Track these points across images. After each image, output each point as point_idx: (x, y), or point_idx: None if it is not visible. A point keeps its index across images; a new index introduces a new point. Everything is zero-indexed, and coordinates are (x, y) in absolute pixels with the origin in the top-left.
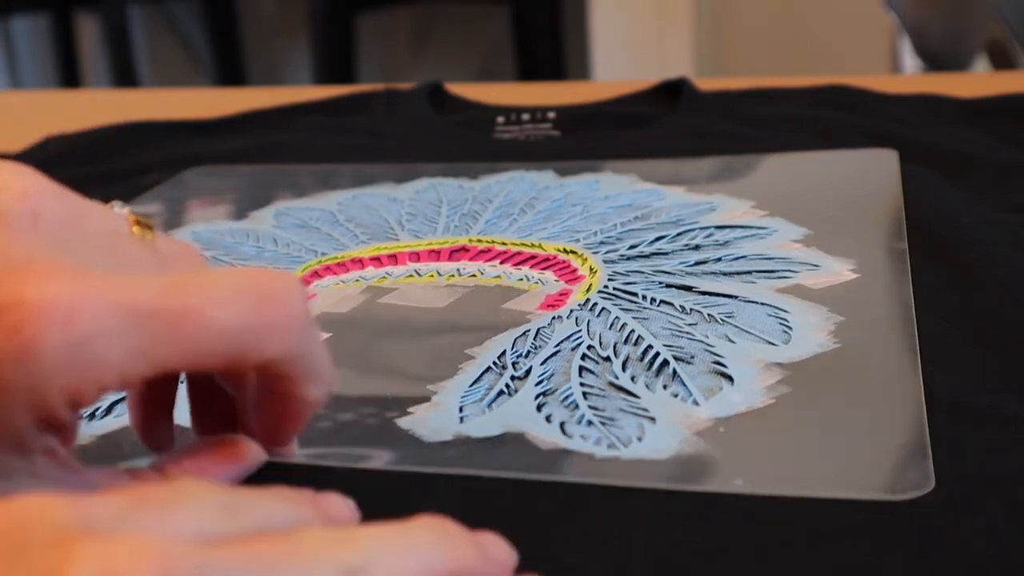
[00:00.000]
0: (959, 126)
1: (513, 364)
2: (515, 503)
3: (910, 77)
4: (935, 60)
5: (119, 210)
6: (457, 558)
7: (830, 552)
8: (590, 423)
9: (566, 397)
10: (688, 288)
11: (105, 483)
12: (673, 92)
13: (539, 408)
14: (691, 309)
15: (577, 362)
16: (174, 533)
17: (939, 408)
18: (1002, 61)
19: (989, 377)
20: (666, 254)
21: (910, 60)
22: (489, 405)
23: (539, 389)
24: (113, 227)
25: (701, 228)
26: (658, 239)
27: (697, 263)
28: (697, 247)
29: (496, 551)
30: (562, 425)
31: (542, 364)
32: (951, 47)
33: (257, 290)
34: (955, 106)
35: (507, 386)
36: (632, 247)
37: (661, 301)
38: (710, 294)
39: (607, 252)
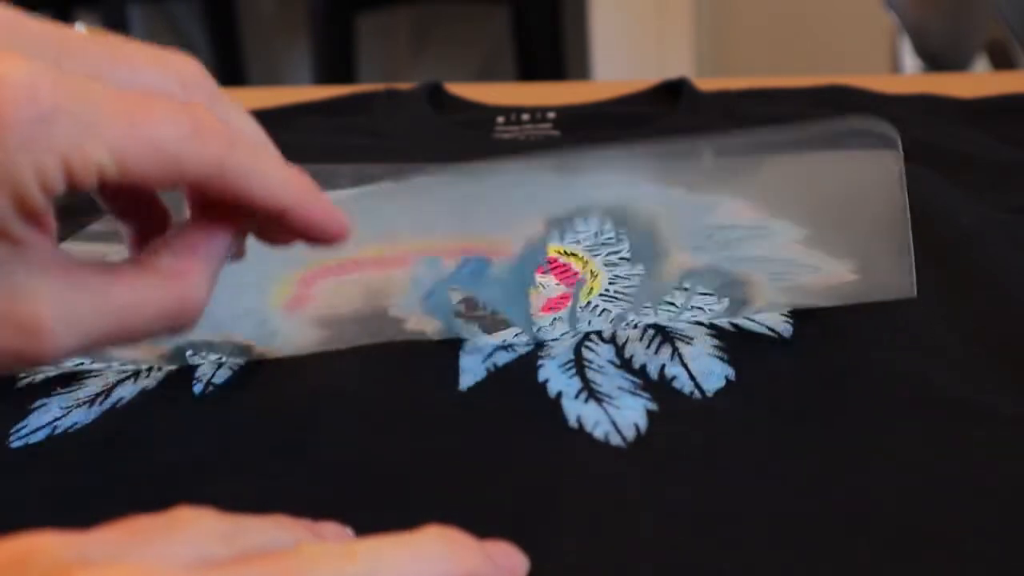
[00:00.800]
0: (959, 126)
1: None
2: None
3: (910, 77)
4: (935, 60)
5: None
6: (465, 566)
7: (830, 553)
8: (587, 400)
9: (565, 362)
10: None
11: (98, 275)
12: (673, 92)
13: (538, 369)
14: (692, 307)
15: (578, 339)
16: (172, 560)
17: (939, 408)
18: (1002, 61)
19: (989, 377)
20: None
21: (910, 60)
22: (485, 358)
23: (539, 352)
24: (61, 30)
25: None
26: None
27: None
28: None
29: (505, 559)
30: (559, 395)
31: (543, 337)
32: (951, 47)
33: (191, 112)
34: (955, 106)
35: (506, 344)
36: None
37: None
38: (711, 295)
39: (608, 254)
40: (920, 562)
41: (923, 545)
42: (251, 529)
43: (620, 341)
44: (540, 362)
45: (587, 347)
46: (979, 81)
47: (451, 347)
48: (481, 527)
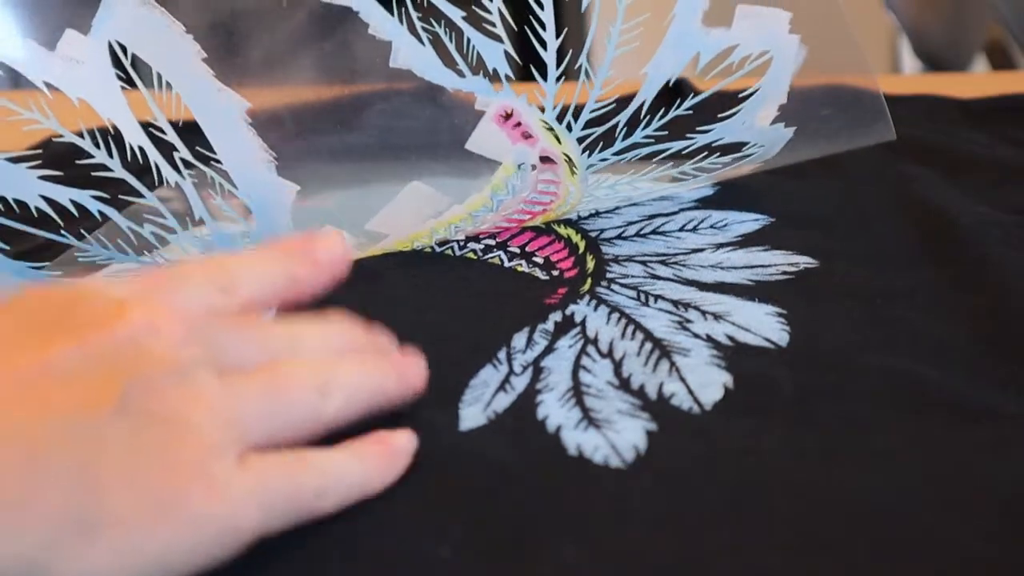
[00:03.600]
0: (959, 126)
1: (510, 359)
2: None
3: (910, 77)
4: (935, 60)
5: None
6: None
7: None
8: (586, 428)
9: (564, 392)
10: (686, 281)
11: None
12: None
13: (537, 407)
14: (689, 306)
15: (575, 360)
16: (186, 304)
17: (938, 408)
18: (1001, 62)
19: (989, 377)
20: (663, 233)
21: (910, 60)
22: (485, 407)
23: (537, 386)
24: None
25: (701, 215)
26: (658, 225)
27: (694, 251)
28: (695, 229)
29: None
30: (559, 429)
31: (542, 362)
32: (951, 47)
33: None
34: (955, 106)
35: (505, 384)
36: (630, 224)
37: (659, 298)
38: (708, 289)
39: (603, 234)
40: (920, 565)
41: (923, 547)
42: (243, 276)
43: (617, 356)
44: (539, 398)
45: (584, 368)
46: (979, 81)
47: (452, 398)
48: (478, 539)
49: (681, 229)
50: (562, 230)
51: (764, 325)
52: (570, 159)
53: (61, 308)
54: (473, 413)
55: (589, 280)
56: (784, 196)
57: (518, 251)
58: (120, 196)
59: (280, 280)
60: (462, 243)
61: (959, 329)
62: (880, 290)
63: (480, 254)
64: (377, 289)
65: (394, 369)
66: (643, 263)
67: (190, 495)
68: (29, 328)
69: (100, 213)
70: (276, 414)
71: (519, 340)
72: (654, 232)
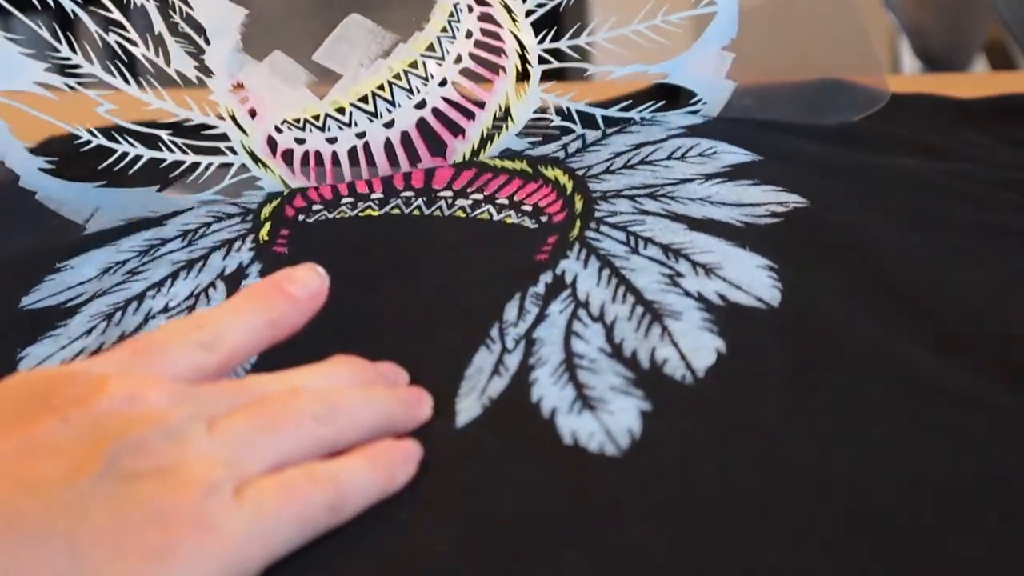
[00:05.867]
0: (959, 126)
1: (503, 336)
2: None
3: (910, 77)
4: (935, 60)
5: None
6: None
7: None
8: (580, 412)
9: (557, 366)
10: (675, 216)
11: None
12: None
13: (531, 387)
14: (679, 254)
15: (566, 326)
16: (170, 371)
17: (932, 404)
18: (1001, 62)
19: (990, 372)
20: (651, 163)
21: (910, 60)
22: (481, 393)
23: (530, 362)
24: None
25: (690, 143)
26: (646, 154)
27: (682, 181)
28: (683, 157)
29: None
30: (554, 413)
31: (534, 333)
32: (951, 48)
33: None
34: (955, 106)
35: (499, 366)
36: (618, 156)
37: (648, 242)
38: (697, 227)
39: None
40: (918, 562)
41: (922, 545)
42: (224, 329)
43: (609, 320)
44: (533, 375)
45: (576, 335)
46: (979, 81)
47: (448, 392)
48: (476, 539)
49: (669, 157)
50: (549, 172)
51: (756, 281)
52: (506, 5)
53: (44, 389)
54: (468, 405)
55: (578, 223)
56: (775, 161)
57: (507, 202)
58: None
59: (261, 326)
60: (450, 201)
61: (956, 327)
62: (871, 244)
63: (469, 211)
64: (366, 259)
65: (401, 400)
66: (631, 198)
67: (184, 540)
68: (13, 409)
69: None
70: (271, 444)
71: (511, 311)
72: (642, 162)
